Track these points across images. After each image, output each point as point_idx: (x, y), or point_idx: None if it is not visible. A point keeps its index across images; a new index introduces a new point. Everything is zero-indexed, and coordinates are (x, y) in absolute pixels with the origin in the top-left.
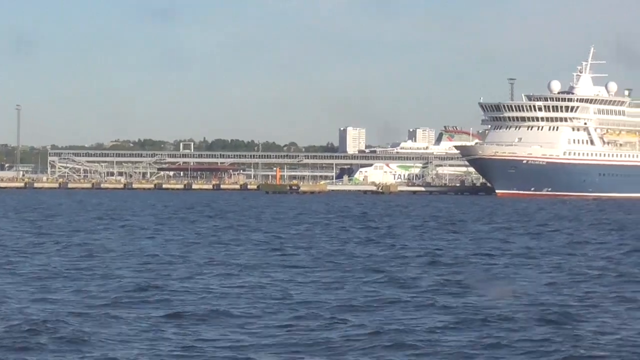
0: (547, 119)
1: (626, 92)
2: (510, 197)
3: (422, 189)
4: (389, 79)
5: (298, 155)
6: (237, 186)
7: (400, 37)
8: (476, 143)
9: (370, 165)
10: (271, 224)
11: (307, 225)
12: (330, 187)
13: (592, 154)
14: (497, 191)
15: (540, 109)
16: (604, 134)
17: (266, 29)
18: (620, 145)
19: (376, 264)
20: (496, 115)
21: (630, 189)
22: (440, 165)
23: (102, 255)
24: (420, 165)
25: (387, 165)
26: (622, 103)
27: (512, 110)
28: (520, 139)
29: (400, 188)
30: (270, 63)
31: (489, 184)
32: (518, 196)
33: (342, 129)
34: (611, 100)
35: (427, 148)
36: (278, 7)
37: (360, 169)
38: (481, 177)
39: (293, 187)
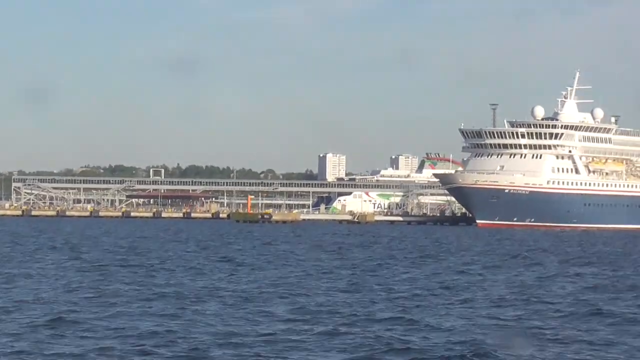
0: (531, 147)
1: (613, 119)
2: (492, 227)
3: (400, 218)
4: (371, 102)
5: (274, 183)
6: (209, 215)
7: (384, 59)
8: (456, 171)
9: (350, 193)
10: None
11: (267, 257)
12: (303, 217)
13: (577, 183)
14: (478, 221)
15: (523, 136)
16: (590, 162)
17: (248, 49)
18: (606, 174)
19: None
20: (477, 142)
21: (616, 220)
22: (422, 194)
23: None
24: (401, 193)
25: (367, 193)
26: (608, 130)
27: (494, 137)
28: (502, 167)
29: (377, 218)
30: (251, 85)
31: (469, 214)
32: (500, 227)
33: (321, 155)
34: (597, 127)
35: (408, 176)
36: (256, 27)
37: (339, 198)
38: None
39: (265, 216)
